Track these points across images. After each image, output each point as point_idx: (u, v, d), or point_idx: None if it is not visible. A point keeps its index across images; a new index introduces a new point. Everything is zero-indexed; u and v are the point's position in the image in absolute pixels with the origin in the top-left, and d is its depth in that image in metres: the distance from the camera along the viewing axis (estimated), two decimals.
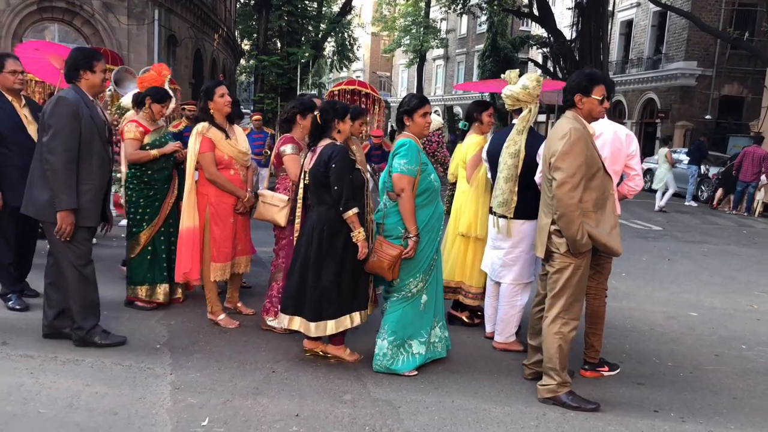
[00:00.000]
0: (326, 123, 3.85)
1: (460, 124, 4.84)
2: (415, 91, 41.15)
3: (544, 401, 3.49)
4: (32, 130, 4.48)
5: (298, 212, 3.98)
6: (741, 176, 13.99)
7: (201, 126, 4.35)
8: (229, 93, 4.43)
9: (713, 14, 23.14)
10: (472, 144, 4.67)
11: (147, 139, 4.66)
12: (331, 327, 3.76)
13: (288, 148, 4.33)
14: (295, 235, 4.01)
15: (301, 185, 3.95)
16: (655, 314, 5.53)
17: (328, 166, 3.67)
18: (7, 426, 2.89)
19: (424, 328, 3.89)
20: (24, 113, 4.55)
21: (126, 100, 6.34)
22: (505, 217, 4.15)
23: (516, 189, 4.11)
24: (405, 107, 3.88)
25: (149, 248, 4.77)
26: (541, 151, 4.05)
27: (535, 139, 4.13)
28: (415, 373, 3.80)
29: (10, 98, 4.49)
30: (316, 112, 3.95)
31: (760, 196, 14.14)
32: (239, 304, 4.85)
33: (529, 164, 4.04)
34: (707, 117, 23.22)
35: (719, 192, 15.24)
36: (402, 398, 3.46)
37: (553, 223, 3.44)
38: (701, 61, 23.82)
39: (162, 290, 4.80)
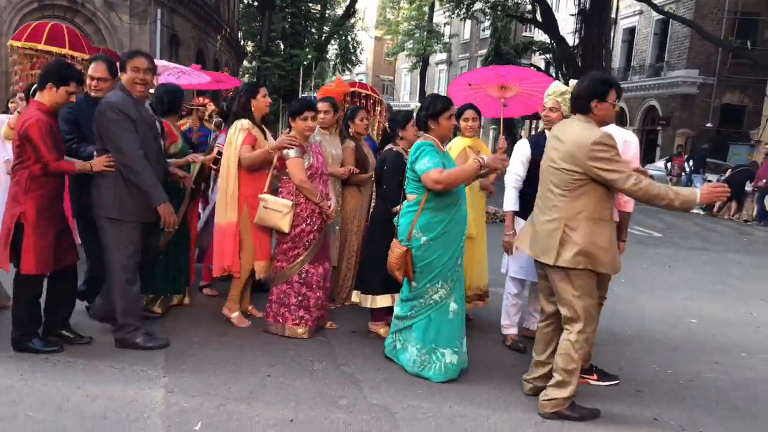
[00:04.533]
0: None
1: None
2: (417, 95, 41.30)
3: (549, 416, 3.35)
4: None
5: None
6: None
7: (246, 122, 4.38)
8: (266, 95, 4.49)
9: (715, 23, 23.15)
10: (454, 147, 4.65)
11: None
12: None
13: (292, 152, 4.24)
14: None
15: None
16: (655, 321, 5.49)
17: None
18: None
19: (458, 337, 3.81)
20: None
21: None
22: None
23: None
24: (430, 110, 3.78)
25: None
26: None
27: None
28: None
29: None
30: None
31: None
32: (250, 307, 4.82)
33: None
34: (708, 125, 23.21)
35: None
36: (398, 404, 3.41)
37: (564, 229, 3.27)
38: (703, 70, 23.81)
39: (159, 300, 4.67)
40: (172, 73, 7.06)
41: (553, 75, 25.66)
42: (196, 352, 3.96)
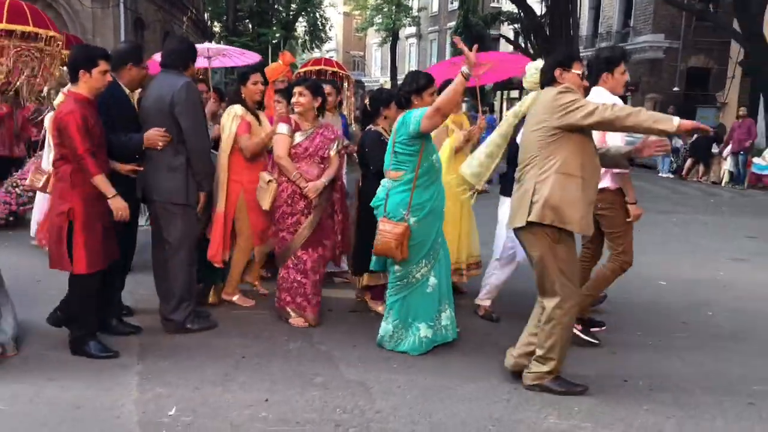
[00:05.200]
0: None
1: None
2: (389, 70, 40.99)
3: (530, 388, 3.36)
4: None
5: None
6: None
7: (239, 108, 4.36)
8: (262, 82, 4.48)
9: None
10: None
11: None
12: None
13: (281, 127, 4.19)
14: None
15: None
16: (625, 284, 5.55)
17: None
18: None
19: (433, 311, 3.82)
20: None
21: None
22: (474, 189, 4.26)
23: (492, 166, 4.19)
24: (415, 85, 3.87)
25: None
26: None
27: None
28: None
29: (128, 92, 4.01)
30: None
31: (726, 165, 14.40)
32: (257, 282, 4.88)
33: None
34: (675, 89, 23.45)
35: (689, 162, 15.48)
36: (374, 378, 3.45)
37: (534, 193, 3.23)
38: (668, 34, 23.96)
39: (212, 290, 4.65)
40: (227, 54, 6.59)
41: (522, 45, 25.67)
42: (170, 337, 3.95)
